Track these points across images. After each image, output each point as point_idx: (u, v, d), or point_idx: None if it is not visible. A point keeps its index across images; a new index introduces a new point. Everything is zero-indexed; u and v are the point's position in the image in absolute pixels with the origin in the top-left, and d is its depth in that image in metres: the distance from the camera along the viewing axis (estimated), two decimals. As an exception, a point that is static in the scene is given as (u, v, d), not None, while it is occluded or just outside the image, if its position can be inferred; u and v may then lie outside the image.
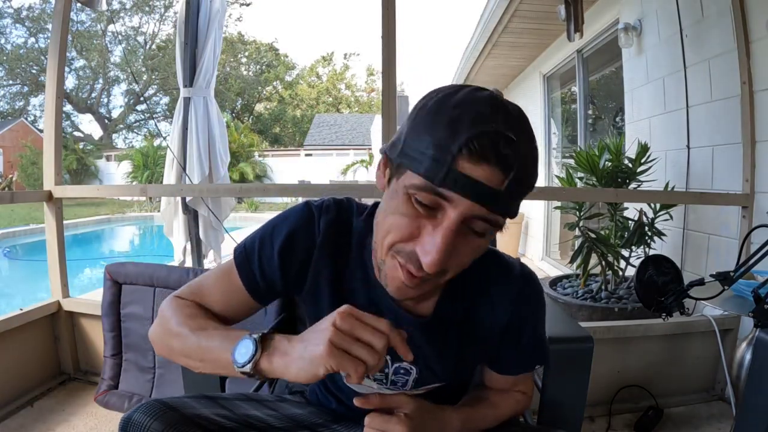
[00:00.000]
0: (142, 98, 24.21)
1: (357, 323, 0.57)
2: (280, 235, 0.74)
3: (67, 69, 2.39)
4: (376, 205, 0.77)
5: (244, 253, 0.76)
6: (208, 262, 3.00)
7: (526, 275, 0.79)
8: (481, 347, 0.80)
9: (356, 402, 0.68)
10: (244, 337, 0.63)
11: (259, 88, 27.82)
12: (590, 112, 4.66)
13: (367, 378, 0.74)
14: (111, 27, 21.86)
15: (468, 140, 0.53)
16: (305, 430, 0.86)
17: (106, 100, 25.04)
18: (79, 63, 22.70)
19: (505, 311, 0.77)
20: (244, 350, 0.61)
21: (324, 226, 0.75)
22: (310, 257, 0.75)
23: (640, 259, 1.40)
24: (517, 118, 0.57)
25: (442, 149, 0.54)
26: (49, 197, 2.11)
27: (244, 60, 27.94)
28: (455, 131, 0.54)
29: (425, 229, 0.59)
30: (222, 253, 2.93)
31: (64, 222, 2.20)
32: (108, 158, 19.32)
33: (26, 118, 21.24)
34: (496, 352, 0.81)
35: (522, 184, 0.57)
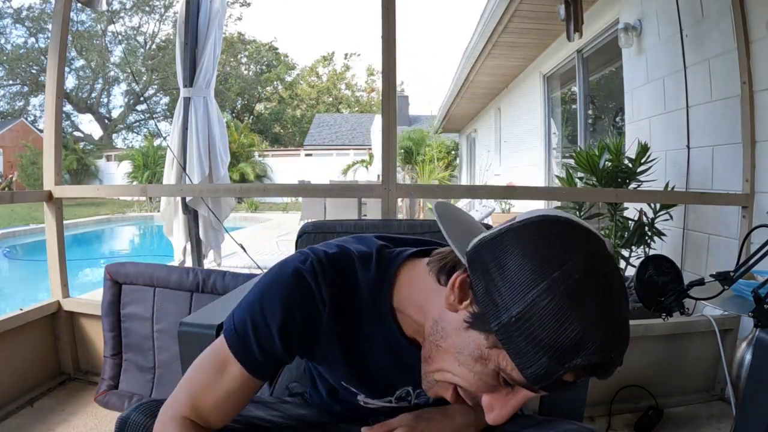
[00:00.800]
0: (142, 98, 24.22)
1: None
2: (275, 314, 0.67)
3: (67, 69, 2.39)
4: (382, 246, 0.74)
5: (238, 339, 0.68)
6: (208, 262, 3.00)
7: None
8: None
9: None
10: None
11: (259, 88, 27.83)
12: (590, 112, 4.66)
13: (390, 402, 0.79)
14: (111, 27, 21.88)
15: (582, 366, 0.52)
16: (314, 429, 0.86)
17: (106, 100, 25.08)
18: (79, 63, 22.71)
19: None
20: None
21: (328, 296, 0.68)
22: (317, 332, 0.69)
23: (640, 259, 1.40)
24: (627, 332, 0.56)
25: (554, 366, 0.52)
26: (49, 197, 2.11)
27: (244, 60, 27.95)
28: (573, 353, 0.51)
29: (498, 391, 0.59)
30: (222, 253, 2.93)
31: (64, 222, 2.20)
32: (108, 158, 19.33)
33: (26, 118, 21.24)
34: None
35: None
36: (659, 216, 2.43)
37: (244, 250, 2.77)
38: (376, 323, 0.71)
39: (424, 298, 0.67)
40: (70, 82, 22.66)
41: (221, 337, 0.70)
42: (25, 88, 22.30)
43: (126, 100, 25.33)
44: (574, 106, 4.99)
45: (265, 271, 0.76)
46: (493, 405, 0.59)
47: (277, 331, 0.66)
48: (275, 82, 29.14)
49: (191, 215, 2.73)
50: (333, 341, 0.71)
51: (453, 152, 14.70)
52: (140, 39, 23.39)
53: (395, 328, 0.70)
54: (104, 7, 2.43)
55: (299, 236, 1.43)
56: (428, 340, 0.64)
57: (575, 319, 0.51)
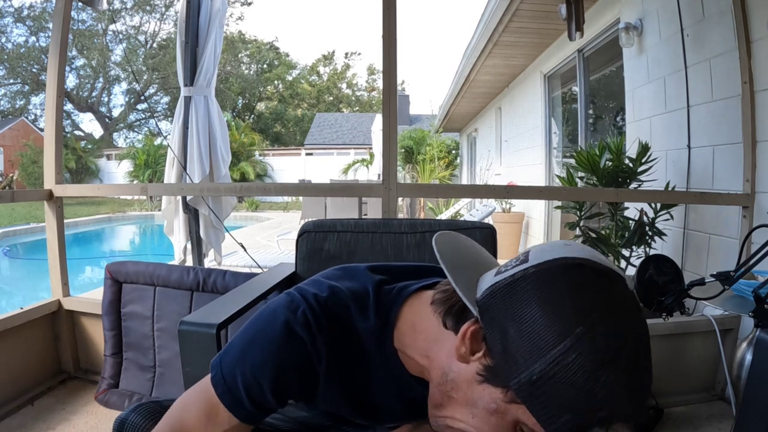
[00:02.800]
0: (142, 97, 24.22)
1: None
2: (266, 372, 0.62)
3: (67, 68, 2.39)
4: (378, 286, 0.69)
5: (228, 391, 0.63)
6: (209, 261, 3.00)
7: None
8: None
9: None
10: None
11: (260, 87, 27.83)
12: (591, 111, 4.65)
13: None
14: (112, 26, 21.87)
15: (609, 419, 0.50)
16: None
17: (106, 99, 25.08)
18: (80, 62, 22.72)
19: None
20: None
21: (324, 348, 0.63)
22: (314, 386, 0.65)
23: (641, 259, 1.39)
24: (650, 389, 0.53)
25: (579, 423, 0.50)
26: (50, 196, 2.11)
27: (245, 59, 27.95)
28: (599, 411, 0.49)
29: None
30: (222, 252, 2.93)
31: (65, 221, 2.20)
32: (108, 157, 19.34)
33: (27, 117, 21.26)
34: None
35: None
36: (660, 216, 2.42)
37: (245, 249, 2.77)
38: (380, 368, 0.67)
39: (430, 345, 0.62)
40: (71, 81, 22.70)
41: (208, 381, 0.65)
42: (26, 87, 22.31)
43: (127, 99, 25.36)
44: (574, 106, 4.98)
45: (266, 269, 0.74)
46: None
47: (269, 390, 0.62)
48: (276, 82, 29.14)
49: (192, 214, 2.73)
50: (334, 388, 0.66)
51: (453, 152, 14.69)
52: (141, 38, 23.40)
53: (404, 372, 0.66)
54: (105, 6, 2.43)
55: (300, 235, 1.43)
56: (437, 389, 0.60)
57: (603, 378, 0.48)
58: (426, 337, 0.63)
